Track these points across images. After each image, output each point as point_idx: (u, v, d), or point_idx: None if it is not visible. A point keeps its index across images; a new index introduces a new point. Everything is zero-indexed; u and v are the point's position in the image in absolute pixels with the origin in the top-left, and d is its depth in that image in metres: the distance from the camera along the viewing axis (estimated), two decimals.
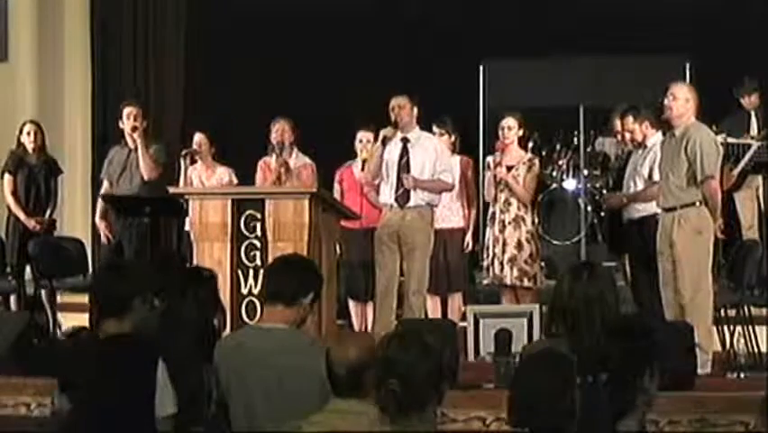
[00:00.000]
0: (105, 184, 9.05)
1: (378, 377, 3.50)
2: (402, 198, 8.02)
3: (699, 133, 7.16)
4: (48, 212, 9.26)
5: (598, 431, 3.38)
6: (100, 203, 9.07)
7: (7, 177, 9.21)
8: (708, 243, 7.14)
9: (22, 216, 9.13)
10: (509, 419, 3.51)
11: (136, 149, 8.86)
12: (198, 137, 9.24)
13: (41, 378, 6.61)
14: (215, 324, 5.00)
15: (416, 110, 8.08)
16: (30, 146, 9.21)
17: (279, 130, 8.84)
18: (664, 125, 7.59)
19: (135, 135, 8.80)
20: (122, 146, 9.03)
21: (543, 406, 3.41)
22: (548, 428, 3.42)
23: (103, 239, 8.98)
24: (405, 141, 8.08)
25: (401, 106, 8.03)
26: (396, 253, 7.97)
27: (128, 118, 8.88)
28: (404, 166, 8.03)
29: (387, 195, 8.08)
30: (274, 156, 8.82)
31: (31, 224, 9.12)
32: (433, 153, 8.08)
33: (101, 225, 8.95)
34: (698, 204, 7.11)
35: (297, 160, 8.85)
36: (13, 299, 8.98)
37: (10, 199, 9.18)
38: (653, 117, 7.76)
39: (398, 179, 8.01)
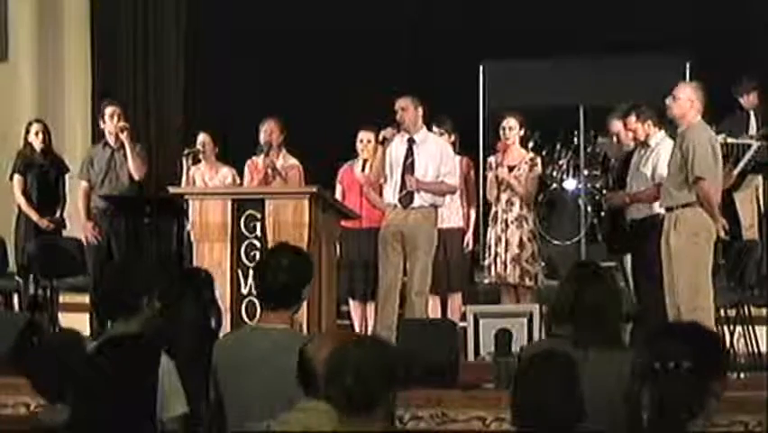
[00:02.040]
0: (84, 185, 8.92)
1: (330, 374, 3.50)
2: (405, 198, 8.04)
3: (696, 133, 7.18)
4: (58, 211, 9.26)
5: (670, 424, 3.35)
6: (82, 204, 8.94)
7: (17, 177, 9.19)
8: (705, 244, 7.14)
9: (34, 216, 9.11)
10: (513, 421, 3.50)
11: (120, 148, 8.82)
12: (202, 137, 9.23)
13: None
14: (213, 325, 4.99)
15: (420, 111, 8.10)
16: (38, 146, 9.20)
17: (268, 130, 8.80)
18: (667, 125, 7.61)
19: (124, 135, 8.76)
20: (102, 146, 8.98)
21: (549, 407, 3.41)
22: (554, 430, 3.42)
23: (91, 239, 8.88)
24: (410, 141, 8.10)
25: (404, 108, 8.05)
26: (400, 254, 8.00)
27: (111, 118, 8.84)
28: (408, 167, 8.06)
29: (390, 195, 8.10)
30: (262, 157, 8.82)
31: (43, 223, 9.11)
32: (438, 155, 8.11)
33: (87, 225, 8.88)
34: (695, 205, 7.12)
35: (285, 161, 8.81)
36: (16, 298, 8.96)
37: (21, 200, 9.16)
38: (656, 116, 7.77)
39: (402, 179, 8.04)
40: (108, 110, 8.91)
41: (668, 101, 7.27)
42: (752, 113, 9.70)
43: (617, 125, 8.48)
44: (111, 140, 8.88)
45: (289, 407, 4.15)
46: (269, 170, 8.63)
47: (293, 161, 8.83)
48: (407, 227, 8.00)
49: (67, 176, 9.42)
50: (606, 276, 4.46)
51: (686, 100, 7.21)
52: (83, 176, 8.96)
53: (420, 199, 8.04)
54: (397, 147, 8.12)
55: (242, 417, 4.44)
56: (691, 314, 6.95)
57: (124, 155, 8.79)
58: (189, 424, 4.48)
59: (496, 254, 8.61)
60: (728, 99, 9.73)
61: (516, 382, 3.56)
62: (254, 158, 8.86)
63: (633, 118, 8.00)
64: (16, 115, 10.37)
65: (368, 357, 3.46)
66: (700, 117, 7.27)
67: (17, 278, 8.90)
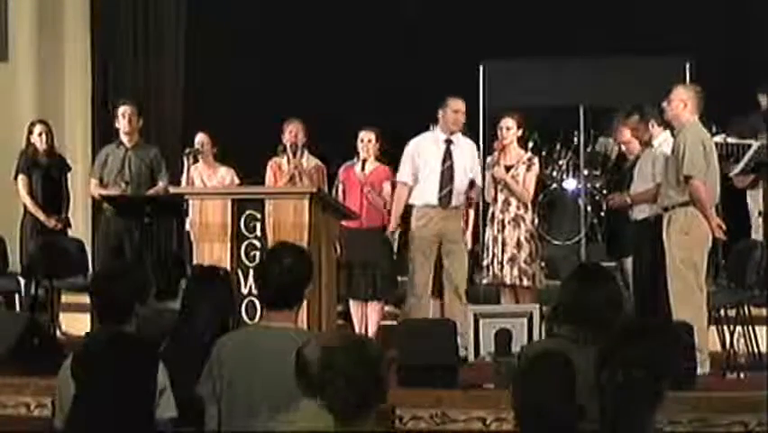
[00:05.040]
0: (94, 182, 9.06)
1: (321, 380, 3.51)
2: (446, 198, 8.29)
3: (687, 133, 7.25)
4: (63, 211, 9.28)
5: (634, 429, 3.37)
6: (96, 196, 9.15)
7: (22, 177, 9.19)
8: (696, 243, 7.17)
9: (41, 216, 9.12)
10: (517, 423, 3.50)
11: (134, 147, 8.89)
12: (201, 137, 9.24)
13: (41, 378, 6.62)
14: (230, 323, 5.00)
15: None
16: (41, 147, 9.20)
17: (293, 131, 8.87)
18: (670, 125, 7.65)
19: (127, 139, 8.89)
20: (116, 146, 9.04)
21: (549, 407, 3.41)
22: (554, 430, 3.42)
23: None
24: (448, 142, 8.38)
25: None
26: (434, 254, 8.27)
27: (123, 117, 8.94)
28: (447, 169, 8.34)
29: (429, 195, 8.30)
30: (286, 157, 8.84)
31: (51, 223, 9.12)
32: (470, 157, 8.49)
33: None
34: (689, 204, 7.17)
35: (309, 161, 8.89)
36: (17, 298, 8.96)
37: (27, 200, 9.16)
38: (660, 116, 7.78)
39: (441, 179, 8.28)
40: (120, 109, 9.01)
41: (664, 104, 7.35)
42: None
43: (625, 134, 8.45)
44: (125, 139, 8.95)
45: (295, 406, 4.15)
46: (297, 173, 8.70)
47: (315, 161, 8.93)
48: (446, 227, 8.29)
49: (69, 174, 9.45)
50: (606, 277, 4.47)
51: (678, 102, 7.29)
52: (94, 174, 9.08)
53: (455, 200, 8.35)
54: (429, 148, 8.38)
55: (247, 416, 4.43)
56: (682, 312, 6.98)
57: (138, 154, 8.93)
58: (179, 425, 4.49)
59: (493, 255, 8.61)
60: (729, 99, 9.73)
61: (516, 382, 3.57)
62: (276, 158, 8.91)
63: (636, 118, 8.02)
64: (16, 116, 10.37)
65: (356, 360, 3.47)
66: (696, 118, 7.30)
67: (19, 278, 8.89)
